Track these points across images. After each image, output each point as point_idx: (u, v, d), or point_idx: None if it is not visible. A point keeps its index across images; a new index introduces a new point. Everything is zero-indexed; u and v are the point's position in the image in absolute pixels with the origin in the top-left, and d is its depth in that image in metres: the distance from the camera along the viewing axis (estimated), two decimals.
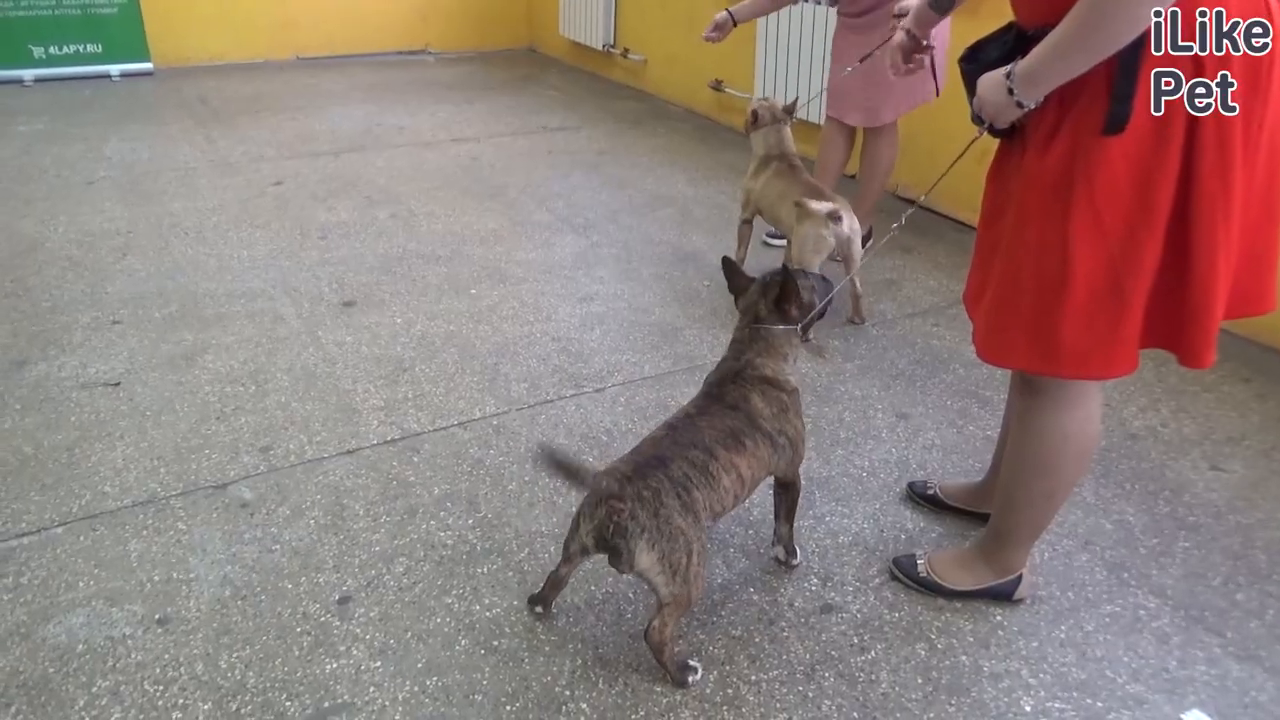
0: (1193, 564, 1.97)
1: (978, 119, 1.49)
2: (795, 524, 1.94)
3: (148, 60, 6.08)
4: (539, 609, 1.80)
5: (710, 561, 1.94)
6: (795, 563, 1.93)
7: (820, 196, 2.89)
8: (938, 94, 3.04)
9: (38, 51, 5.80)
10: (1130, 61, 1.28)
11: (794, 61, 4.49)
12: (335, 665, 1.69)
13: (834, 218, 2.76)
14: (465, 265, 3.39)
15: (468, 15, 7.15)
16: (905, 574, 1.88)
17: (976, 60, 1.48)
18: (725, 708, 1.61)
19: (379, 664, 1.69)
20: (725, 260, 1.90)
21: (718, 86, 5.18)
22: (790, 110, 3.18)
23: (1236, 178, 1.32)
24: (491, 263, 3.41)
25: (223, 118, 5.23)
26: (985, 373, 2.66)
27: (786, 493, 1.89)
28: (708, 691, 1.64)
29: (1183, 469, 2.28)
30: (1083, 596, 1.88)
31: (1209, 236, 1.35)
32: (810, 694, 1.64)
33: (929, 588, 1.85)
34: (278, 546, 1.98)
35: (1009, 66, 1.38)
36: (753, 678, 1.67)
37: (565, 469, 1.64)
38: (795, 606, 1.84)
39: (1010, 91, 1.38)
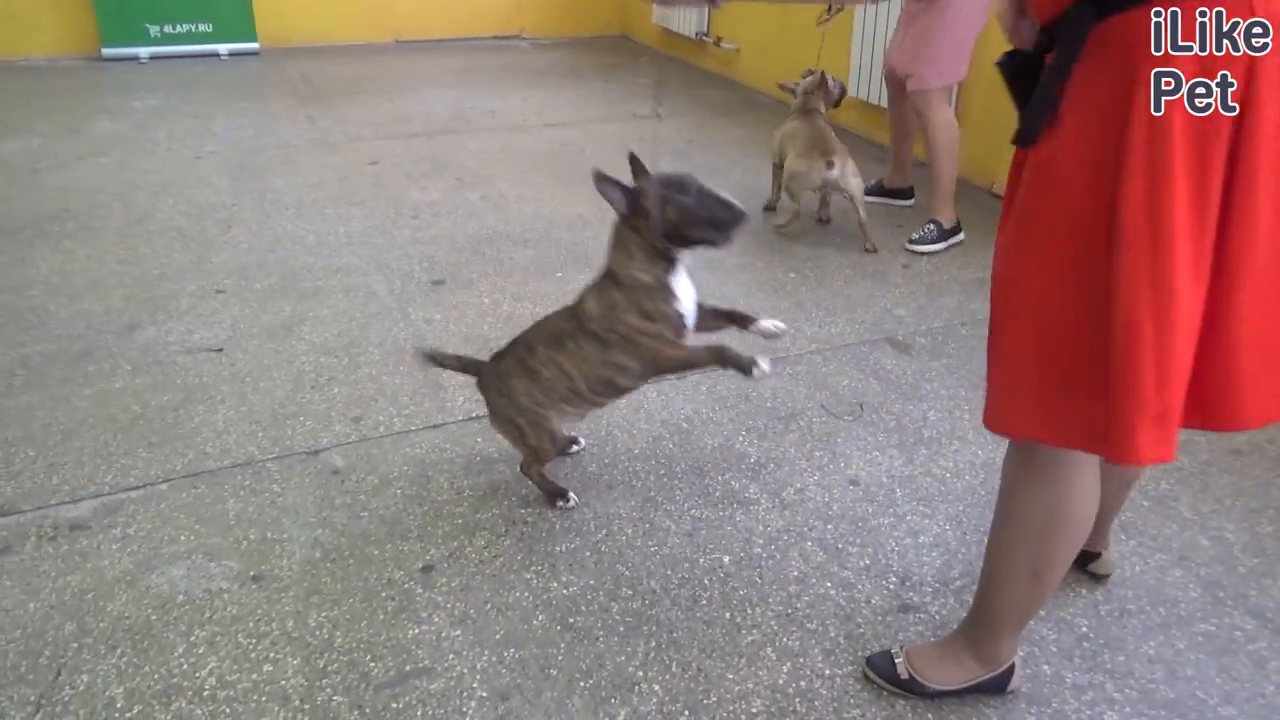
0: None
1: (1020, 137, 1.27)
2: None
3: (254, 40, 6.30)
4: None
5: (787, 555, 1.94)
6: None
7: (826, 143, 3.30)
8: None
9: (153, 30, 6.07)
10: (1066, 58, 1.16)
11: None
12: (417, 631, 1.74)
13: (828, 164, 3.24)
14: (552, 249, 3.43)
15: (561, 2, 7.22)
16: (883, 676, 1.62)
17: (1013, 58, 1.28)
18: (798, 699, 1.61)
19: (459, 632, 1.74)
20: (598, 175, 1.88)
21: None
22: (841, 94, 3.66)
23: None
24: (578, 247, 3.45)
25: (323, 97, 5.38)
26: None
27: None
28: (780, 682, 1.64)
29: None
30: (1174, 613, 1.81)
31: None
32: (884, 693, 1.62)
33: (910, 690, 1.60)
34: (366, 513, 2.04)
35: None
36: (826, 672, 1.67)
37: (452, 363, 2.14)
38: (872, 604, 1.82)
39: None
